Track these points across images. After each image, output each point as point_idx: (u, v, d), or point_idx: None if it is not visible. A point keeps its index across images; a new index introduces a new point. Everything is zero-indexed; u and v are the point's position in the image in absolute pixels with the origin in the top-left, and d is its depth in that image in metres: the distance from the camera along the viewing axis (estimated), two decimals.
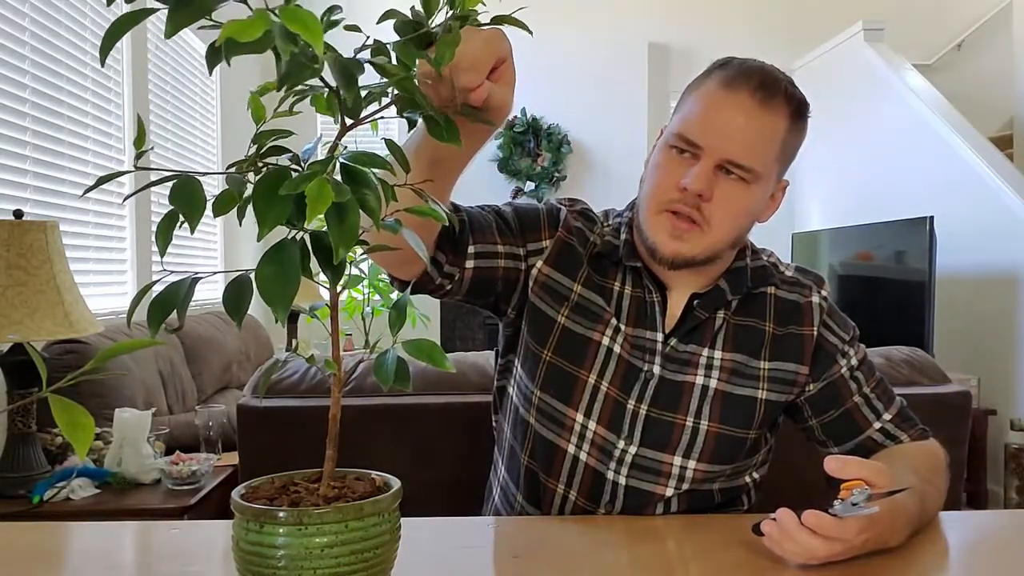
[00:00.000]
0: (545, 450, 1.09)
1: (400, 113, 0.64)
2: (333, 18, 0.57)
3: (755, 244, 1.16)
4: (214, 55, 0.50)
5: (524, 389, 1.12)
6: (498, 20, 0.68)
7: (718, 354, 1.08)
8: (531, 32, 0.70)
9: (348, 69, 0.54)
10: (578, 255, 1.11)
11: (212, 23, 0.51)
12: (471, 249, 1.05)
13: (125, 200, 3.02)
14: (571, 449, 1.08)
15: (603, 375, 1.07)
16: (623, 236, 1.11)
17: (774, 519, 0.83)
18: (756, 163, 1.00)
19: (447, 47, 0.62)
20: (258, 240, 0.55)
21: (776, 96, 1.01)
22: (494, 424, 1.24)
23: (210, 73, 0.52)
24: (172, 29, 0.49)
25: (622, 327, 1.08)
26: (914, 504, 0.91)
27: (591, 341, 1.08)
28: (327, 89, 0.59)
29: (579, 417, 1.07)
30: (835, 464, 0.84)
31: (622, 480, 1.07)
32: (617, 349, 1.08)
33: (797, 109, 1.03)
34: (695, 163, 1.00)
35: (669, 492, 1.07)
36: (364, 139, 0.73)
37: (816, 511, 0.80)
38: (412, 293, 1.01)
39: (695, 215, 1.01)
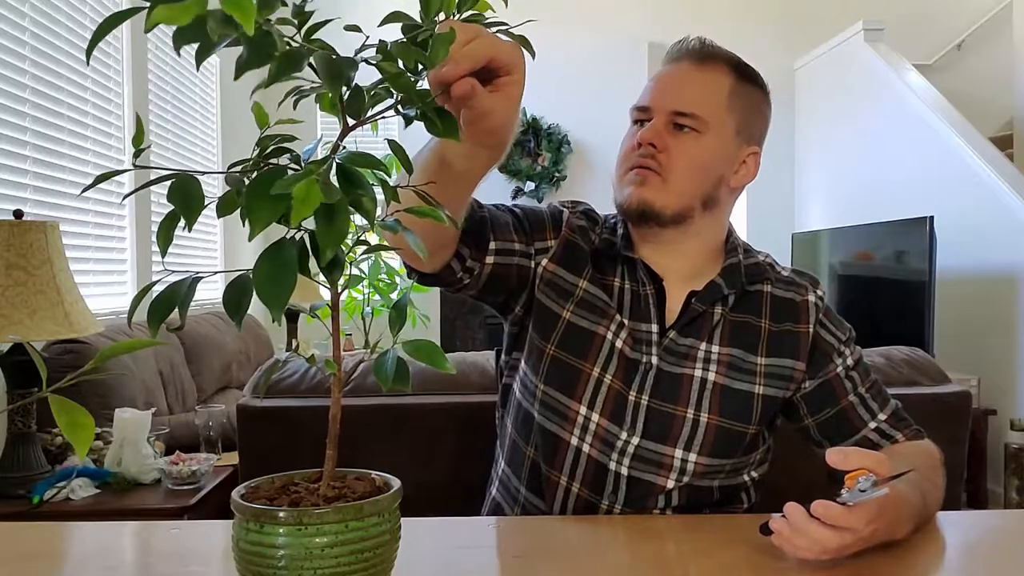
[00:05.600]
0: (548, 443, 1.10)
1: (397, 111, 0.62)
2: (307, 9, 0.56)
3: (750, 245, 1.20)
4: (203, 51, 0.49)
5: (528, 384, 1.13)
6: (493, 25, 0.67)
7: (716, 348, 1.10)
8: (533, 54, 0.69)
9: (335, 65, 0.53)
10: (584, 253, 1.15)
11: None
12: (492, 245, 1.08)
13: (124, 198, 3.01)
14: (574, 441, 1.09)
15: (606, 368, 1.10)
16: (620, 231, 1.16)
17: (782, 516, 0.83)
18: (701, 111, 1.08)
19: (441, 44, 0.61)
20: (249, 240, 0.54)
21: (714, 58, 1.11)
22: (497, 420, 1.24)
23: (197, 68, 0.51)
24: (150, 24, 0.48)
25: (625, 322, 1.11)
26: (917, 497, 0.92)
27: (595, 335, 1.11)
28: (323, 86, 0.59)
29: (582, 409, 1.09)
30: (837, 456, 0.85)
31: (624, 471, 1.08)
32: (619, 344, 1.10)
33: (739, 70, 1.12)
34: None
35: (670, 484, 1.08)
36: (364, 140, 0.73)
37: (824, 501, 0.81)
38: (431, 285, 1.06)
39: (651, 163, 1.08)
